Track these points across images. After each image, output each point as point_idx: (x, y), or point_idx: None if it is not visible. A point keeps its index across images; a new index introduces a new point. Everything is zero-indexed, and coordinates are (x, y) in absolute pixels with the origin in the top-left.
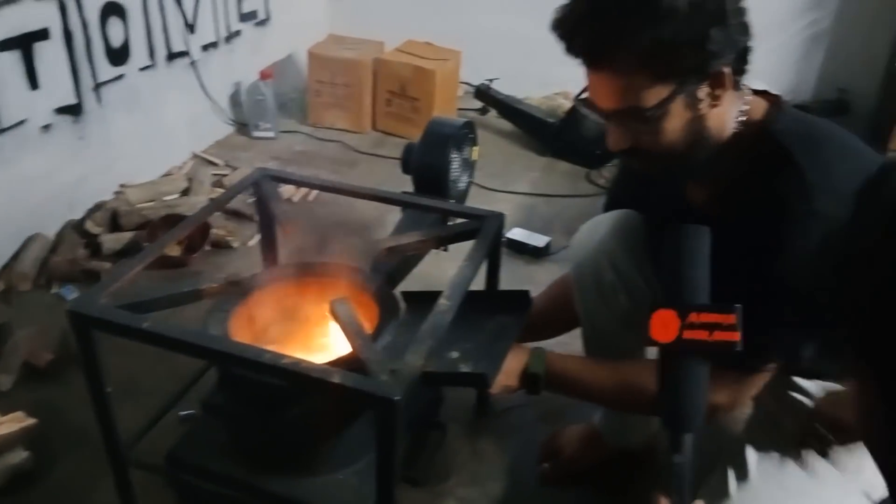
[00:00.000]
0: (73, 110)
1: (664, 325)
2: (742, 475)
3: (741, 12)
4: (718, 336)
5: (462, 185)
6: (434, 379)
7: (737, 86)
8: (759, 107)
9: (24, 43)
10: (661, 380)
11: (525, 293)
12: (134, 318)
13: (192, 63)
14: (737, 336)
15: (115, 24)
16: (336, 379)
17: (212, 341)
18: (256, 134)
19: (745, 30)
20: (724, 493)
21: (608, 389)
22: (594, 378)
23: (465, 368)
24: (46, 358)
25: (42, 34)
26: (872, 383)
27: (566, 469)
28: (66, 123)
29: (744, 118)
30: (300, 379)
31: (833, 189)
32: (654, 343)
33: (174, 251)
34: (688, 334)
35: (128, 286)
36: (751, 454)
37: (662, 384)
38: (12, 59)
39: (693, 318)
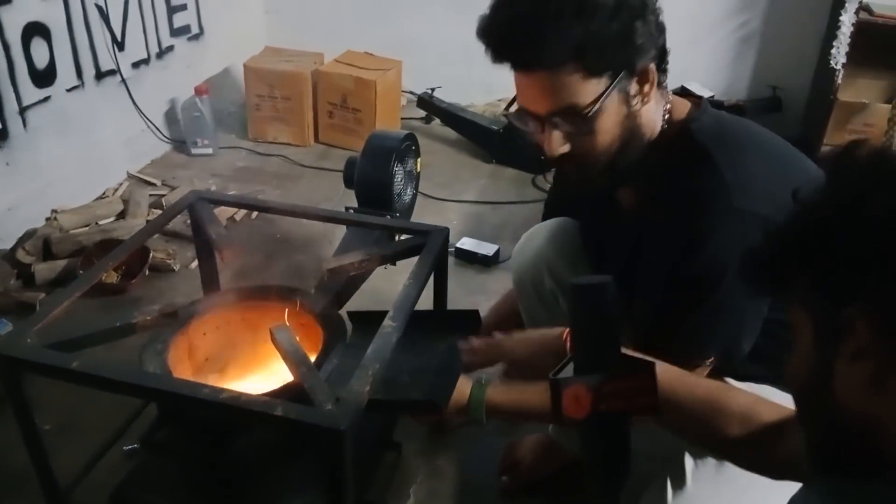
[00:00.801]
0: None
1: (576, 401)
2: (679, 483)
3: (657, 11)
4: (636, 402)
5: (407, 197)
6: (381, 406)
7: (661, 84)
8: (682, 107)
9: None
10: (583, 446)
11: (474, 312)
12: (63, 358)
13: (123, 81)
14: (655, 398)
15: (38, 45)
16: (279, 411)
17: (147, 379)
18: (195, 151)
19: (661, 28)
20: (663, 501)
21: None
22: (537, 401)
23: (414, 395)
24: None
25: None
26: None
27: (525, 480)
28: None
29: (667, 117)
30: (241, 414)
31: (750, 186)
32: (569, 421)
33: (112, 277)
34: (603, 407)
35: (63, 319)
36: (688, 461)
37: (586, 450)
38: None
39: (606, 387)
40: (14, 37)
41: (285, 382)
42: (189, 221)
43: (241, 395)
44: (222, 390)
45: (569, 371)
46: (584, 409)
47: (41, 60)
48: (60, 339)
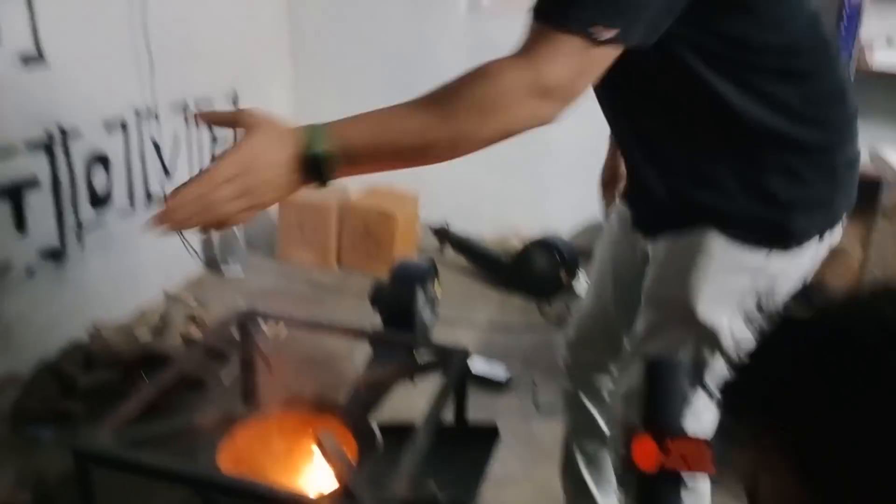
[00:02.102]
0: (56, 254)
1: (644, 451)
2: None
3: None
4: (695, 466)
5: (427, 319)
6: None
7: None
8: None
9: (15, 190)
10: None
11: (493, 427)
12: (135, 454)
13: None
14: (712, 466)
15: (99, 173)
16: None
17: (213, 474)
18: (227, 272)
19: None
20: None
21: (420, 125)
22: (404, 125)
23: (443, 498)
24: (23, 500)
25: (32, 182)
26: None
27: None
28: (48, 267)
29: None
30: None
31: None
32: (635, 468)
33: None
34: (668, 464)
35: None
36: None
37: None
38: (1, 206)
39: (671, 446)
40: (79, 165)
41: (332, 489)
42: (225, 336)
43: (296, 492)
44: (280, 487)
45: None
46: (651, 462)
47: (100, 186)
48: (131, 437)
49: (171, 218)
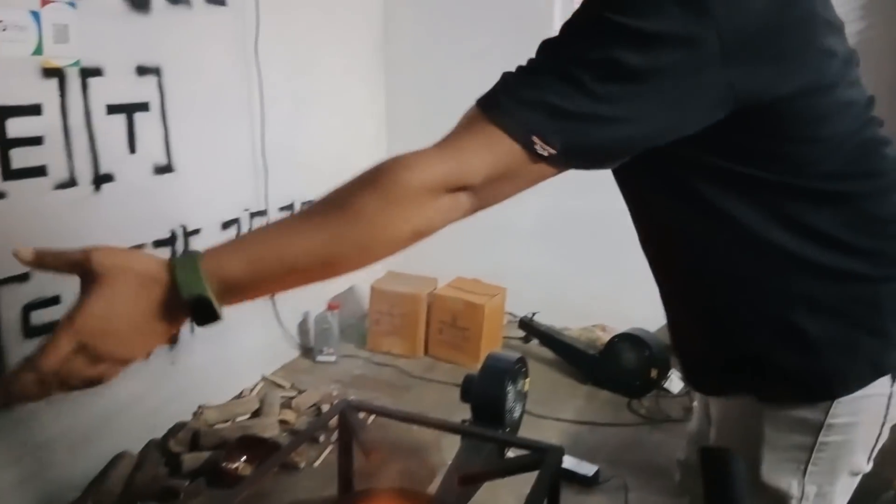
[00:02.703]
0: (171, 339)
1: None
2: None
3: None
4: None
5: (516, 414)
6: None
7: None
8: None
9: None
10: None
11: None
12: None
13: (271, 297)
14: None
15: None
16: None
17: None
18: (320, 358)
19: None
20: None
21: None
22: (294, 252)
23: None
24: None
25: None
26: None
27: None
28: (162, 351)
29: None
30: None
31: None
32: None
33: (246, 471)
34: None
35: None
36: None
37: None
38: None
39: None
40: None
41: None
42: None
43: None
44: None
45: None
46: None
47: None
48: None
49: (15, 399)
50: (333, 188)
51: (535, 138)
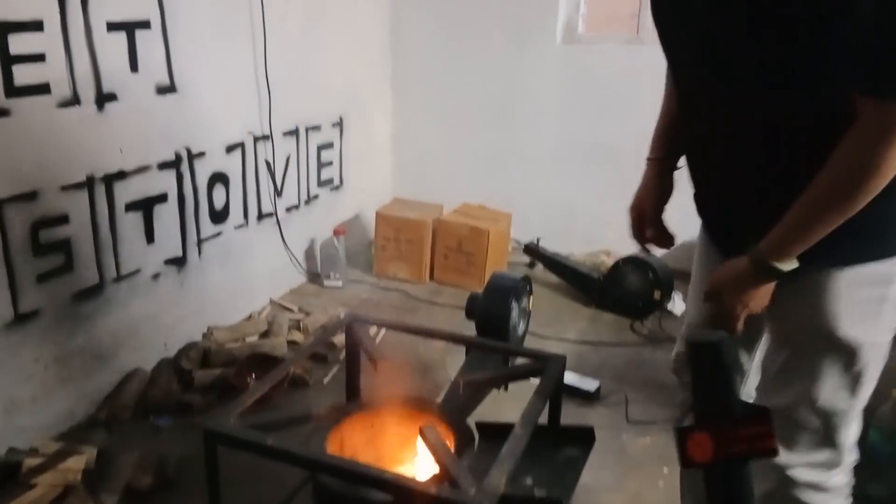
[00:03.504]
0: (179, 261)
1: (699, 446)
2: None
3: None
4: (756, 447)
5: (520, 331)
6: (512, 502)
7: None
8: None
9: (147, 204)
10: (709, 493)
11: (590, 429)
12: (260, 435)
13: (278, 222)
14: (773, 441)
15: (219, 190)
16: (433, 491)
17: (330, 459)
18: (327, 283)
19: None
20: None
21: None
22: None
23: (540, 493)
24: (146, 481)
25: (162, 198)
26: None
27: None
28: (171, 273)
29: None
30: (404, 492)
31: None
32: (694, 465)
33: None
34: (725, 452)
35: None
36: None
37: (712, 498)
38: (136, 218)
39: (727, 434)
40: (202, 183)
41: (432, 474)
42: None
43: (404, 476)
44: (388, 471)
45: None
46: (708, 454)
47: (219, 202)
48: (255, 422)
49: None
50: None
51: None
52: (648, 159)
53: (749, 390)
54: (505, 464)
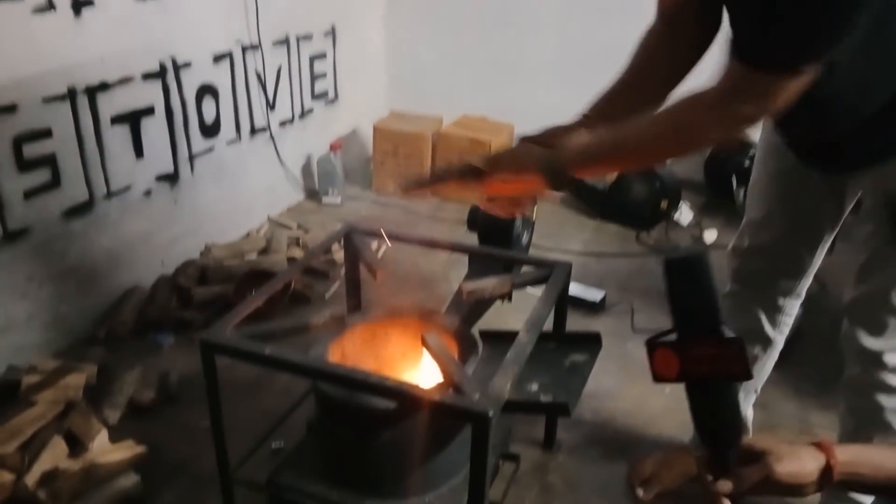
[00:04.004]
0: (171, 178)
1: (665, 362)
2: None
3: None
4: (721, 368)
5: (524, 242)
6: (517, 407)
7: None
8: None
9: (134, 118)
10: (691, 408)
11: (596, 334)
12: (258, 345)
13: (272, 137)
14: (739, 368)
15: (208, 103)
16: (437, 397)
17: (330, 366)
18: (325, 200)
19: None
20: None
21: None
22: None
23: (546, 398)
24: (149, 397)
25: (148, 111)
26: None
27: (659, 490)
28: (164, 189)
29: None
30: (406, 398)
31: None
32: (660, 379)
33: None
34: (690, 370)
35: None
36: None
37: (693, 412)
38: (123, 131)
39: (692, 351)
40: (190, 95)
41: (436, 383)
42: (327, 259)
43: (405, 382)
44: (391, 378)
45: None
46: (673, 370)
47: (209, 116)
48: (253, 332)
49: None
50: (658, 111)
51: (800, 66)
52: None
53: (800, 290)
54: (509, 369)
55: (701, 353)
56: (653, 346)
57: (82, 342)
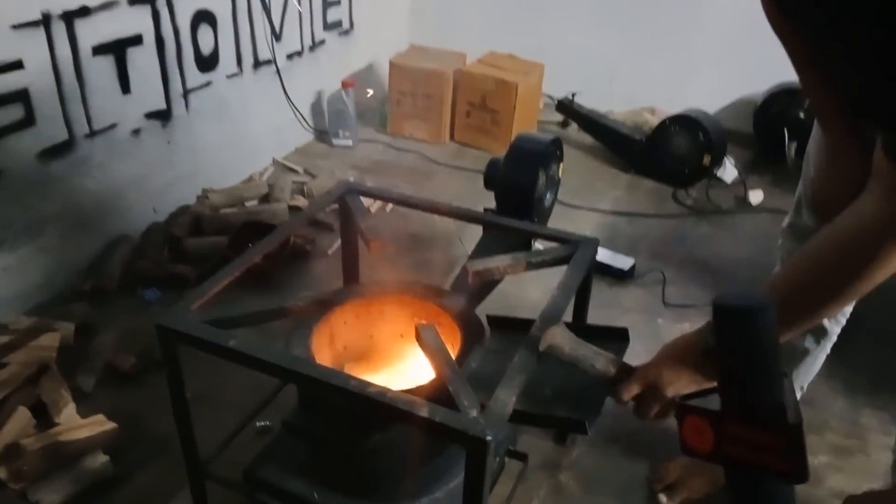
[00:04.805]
0: (162, 115)
1: (698, 433)
2: None
3: None
4: (766, 460)
5: (547, 203)
6: (526, 419)
7: None
8: None
9: (119, 48)
10: (727, 494)
11: (624, 330)
12: (221, 335)
13: (277, 71)
14: (790, 465)
15: (205, 32)
16: (424, 413)
17: (297, 364)
18: (336, 142)
19: None
20: None
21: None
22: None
23: (562, 412)
24: (130, 361)
25: (136, 40)
26: None
27: (683, 498)
28: (155, 128)
29: None
30: (386, 410)
31: None
32: (690, 451)
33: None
34: (727, 451)
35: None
36: None
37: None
38: (106, 63)
39: (731, 429)
40: (184, 22)
41: (428, 380)
42: (331, 210)
43: (387, 390)
44: (369, 384)
45: (711, 403)
46: (707, 445)
47: (206, 47)
48: (221, 315)
49: None
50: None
51: None
52: None
53: None
54: (516, 378)
55: (742, 434)
56: (683, 410)
57: (66, 296)
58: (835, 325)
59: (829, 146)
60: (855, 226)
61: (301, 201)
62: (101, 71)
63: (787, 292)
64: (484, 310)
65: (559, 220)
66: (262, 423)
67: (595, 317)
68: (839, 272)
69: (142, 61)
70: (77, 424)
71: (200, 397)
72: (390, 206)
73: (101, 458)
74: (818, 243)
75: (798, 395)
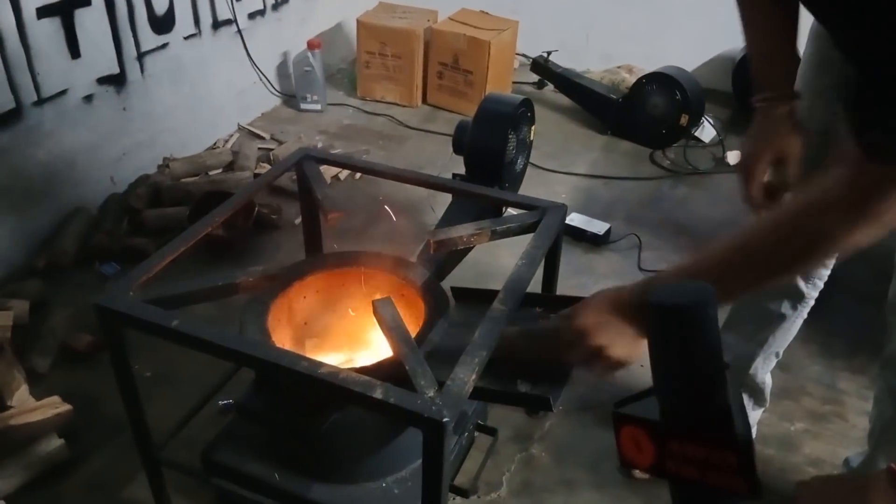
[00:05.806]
0: (116, 80)
1: (636, 444)
2: None
3: None
4: (714, 478)
5: (518, 167)
6: (489, 396)
7: None
8: None
9: (65, 9)
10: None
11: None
12: (164, 315)
13: (239, 31)
14: (738, 484)
15: None
16: (378, 394)
17: (246, 346)
18: (304, 106)
19: None
20: None
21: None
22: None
23: (525, 389)
24: (86, 341)
25: (83, 1)
26: None
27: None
28: (108, 94)
29: None
30: (338, 391)
31: None
32: (629, 465)
33: (217, 230)
34: (672, 467)
35: (167, 271)
36: None
37: None
38: (53, 26)
39: (674, 446)
40: None
41: (385, 357)
42: (295, 178)
43: (340, 371)
44: (321, 364)
45: (651, 407)
46: (646, 459)
47: (160, 6)
48: (164, 293)
49: None
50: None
51: None
52: (766, 100)
53: None
54: (476, 356)
55: (685, 451)
56: (619, 419)
57: (20, 273)
58: (812, 290)
59: None
60: (811, 204)
61: (267, 169)
62: (47, 34)
63: (733, 263)
64: (453, 279)
65: (533, 185)
66: (225, 402)
67: (568, 283)
68: (785, 252)
69: (91, 23)
70: (30, 407)
71: (162, 375)
72: (358, 175)
73: (55, 442)
74: (774, 216)
75: (774, 362)
